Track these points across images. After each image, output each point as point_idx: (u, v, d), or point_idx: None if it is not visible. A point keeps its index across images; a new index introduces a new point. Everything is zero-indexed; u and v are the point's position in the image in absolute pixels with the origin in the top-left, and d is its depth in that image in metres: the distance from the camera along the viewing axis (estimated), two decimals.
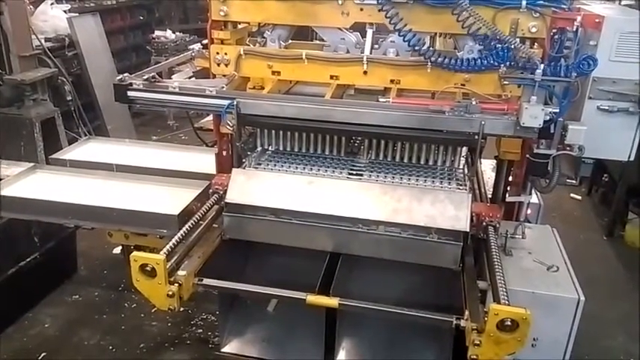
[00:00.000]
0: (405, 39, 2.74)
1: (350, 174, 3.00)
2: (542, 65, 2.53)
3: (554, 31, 2.60)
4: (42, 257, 4.31)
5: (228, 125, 2.99)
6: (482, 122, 2.67)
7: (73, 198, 3.40)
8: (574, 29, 2.53)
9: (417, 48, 2.77)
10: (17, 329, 4.14)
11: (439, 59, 2.79)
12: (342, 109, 2.84)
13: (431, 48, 2.83)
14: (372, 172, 3.01)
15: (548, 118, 2.55)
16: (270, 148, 3.22)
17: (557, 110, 2.56)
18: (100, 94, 7.14)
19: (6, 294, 4.05)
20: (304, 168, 3.04)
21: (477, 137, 2.71)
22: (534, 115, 2.54)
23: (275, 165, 3.07)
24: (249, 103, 2.92)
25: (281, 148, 3.17)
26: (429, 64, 2.83)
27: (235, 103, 2.88)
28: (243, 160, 3.12)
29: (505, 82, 2.78)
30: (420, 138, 2.93)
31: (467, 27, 2.68)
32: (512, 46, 2.63)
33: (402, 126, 2.79)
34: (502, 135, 2.83)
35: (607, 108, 2.67)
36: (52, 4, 6.97)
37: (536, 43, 2.85)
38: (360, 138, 3.25)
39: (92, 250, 4.96)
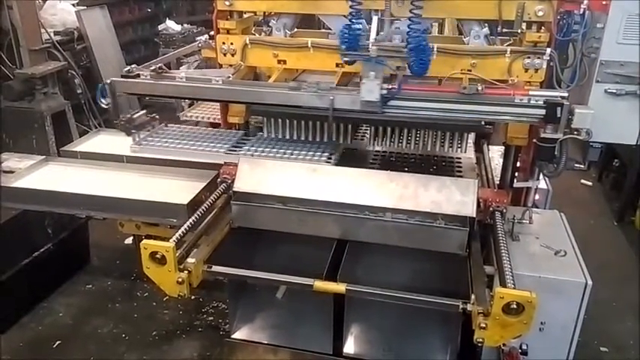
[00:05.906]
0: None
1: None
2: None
3: (560, 14, 2.58)
4: (55, 248, 4.39)
5: None
6: None
7: (84, 189, 3.44)
8: (581, 12, 2.51)
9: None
10: (32, 318, 4.23)
11: None
12: (346, 96, 2.84)
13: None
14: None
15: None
16: (271, 136, 3.21)
17: (565, 94, 2.55)
18: None
19: (21, 284, 4.14)
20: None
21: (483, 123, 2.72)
22: None
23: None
24: (252, 92, 2.93)
25: (287, 137, 3.17)
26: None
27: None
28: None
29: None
30: (427, 124, 2.93)
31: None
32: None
33: None
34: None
35: (614, 91, 2.65)
36: None
37: (543, 27, 2.83)
38: (366, 125, 3.26)
39: (104, 240, 5.02)
